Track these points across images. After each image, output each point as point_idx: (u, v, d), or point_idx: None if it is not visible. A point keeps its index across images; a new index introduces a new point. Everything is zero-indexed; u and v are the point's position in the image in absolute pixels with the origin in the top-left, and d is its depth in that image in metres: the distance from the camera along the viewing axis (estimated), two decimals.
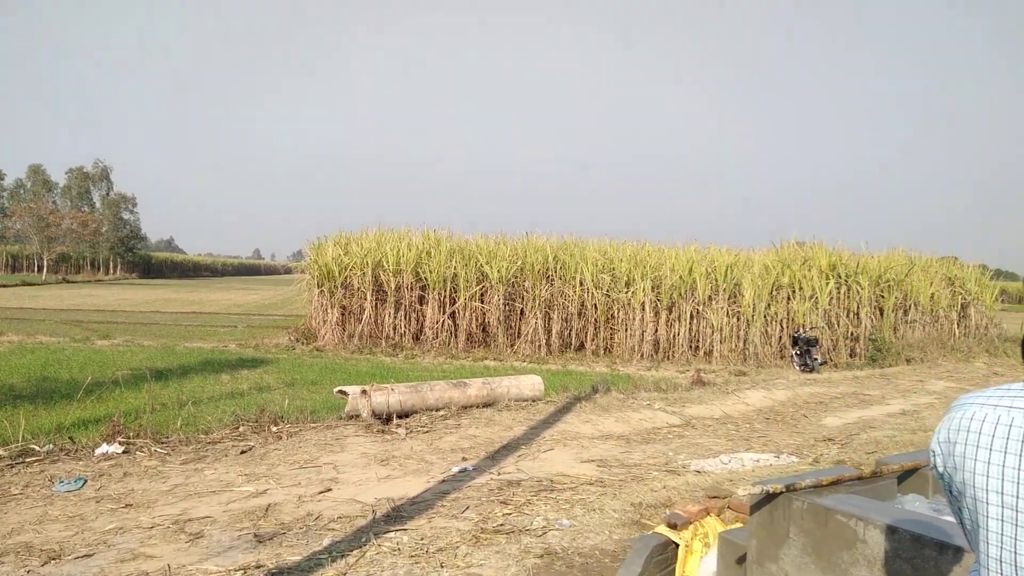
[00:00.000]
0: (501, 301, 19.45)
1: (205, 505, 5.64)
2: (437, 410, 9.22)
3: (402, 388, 9.09)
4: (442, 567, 4.41)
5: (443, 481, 6.46)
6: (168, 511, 5.49)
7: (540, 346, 19.30)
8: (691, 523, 4.33)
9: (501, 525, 5.19)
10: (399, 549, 4.71)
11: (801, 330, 18.74)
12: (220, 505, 5.64)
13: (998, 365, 17.65)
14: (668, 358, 19.50)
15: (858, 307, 20.58)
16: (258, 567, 4.41)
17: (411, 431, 8.33)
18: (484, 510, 5.59)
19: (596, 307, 19.81)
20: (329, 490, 6.10)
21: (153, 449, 7.10)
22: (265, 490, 6.03)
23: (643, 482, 6.53)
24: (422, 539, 4.92)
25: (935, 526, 2.56)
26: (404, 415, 8.96)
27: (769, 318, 19.88)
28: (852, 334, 20.38)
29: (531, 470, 6.93)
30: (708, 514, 4.50)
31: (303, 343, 19.01)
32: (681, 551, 4.08)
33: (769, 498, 3.04)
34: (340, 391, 9.10)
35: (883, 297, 21.01)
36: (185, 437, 7.55)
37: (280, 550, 4.72)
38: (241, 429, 7.95)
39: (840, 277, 20.70)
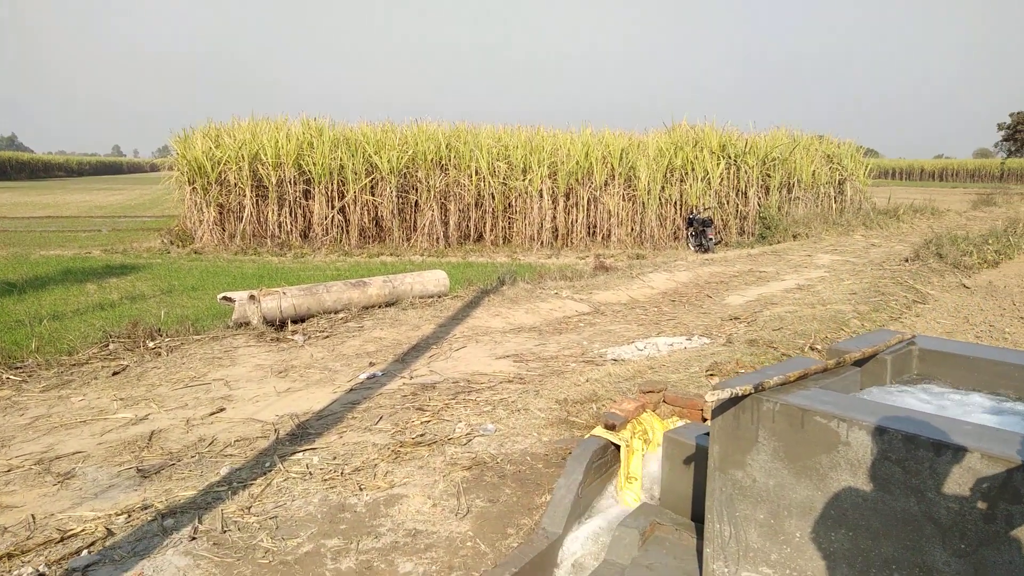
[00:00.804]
0: (394, 193, 18.49)
1: (75, 438, 4.89)
2: (336, 312, 8.56)
3: (295, 291, 8.34)
4: (361, 490, 3.95)
5: (351, 390, 5.94)
6: (29, 449, 4.70)
7: (438, 239, 18.66)
8: (628, 421, 4.04)
9: (421, 436, 4.77)
10: (310, 473, 4.21)
11: (695, 211, 19.00)
12: (93, 437, 4.90)
13: (874, 237, 18.65)
14: (567, 245, 19.40)
15: (746, 187, 21.04)
16: (145, 508, 3.80)
17: (309, 337, 7.67)
18: (400, 419, 5.14)
19: (493, 196, 19.23)
20: (222, 410, 5.45)
21: (5, 376, 6.14)
22: (146, 415, 5.31)
23: (563, 376, 6.26)
24: (335, 459, 4.43)
25: (930, 424, 2.28)
26: (299, 320, 8.26)
27: (664, 201, 20.02)
28: (741, 213, 20.93)
29: (445, 371, 6.52)
30: (644, 410, 4.23)
31: (178, 246, 17.49)
32: (623, 452, 3.80)
33: (733, 400, 2.71)
34: (225, 297, 8.24)
35: (769, 176, 21.55)
36: (44, 360, 6.58)
37: (170, 485, 4.10)
38: (112, 347, 7.04)
39: (730, 157, 20.97)
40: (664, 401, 4.34)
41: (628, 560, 3.11)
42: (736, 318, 9.38)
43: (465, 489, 3.91)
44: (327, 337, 7.72)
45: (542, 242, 19.07)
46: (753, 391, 2.62)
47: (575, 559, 3.32)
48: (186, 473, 4.26)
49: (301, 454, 4.53)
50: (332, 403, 5.61)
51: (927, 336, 3.46)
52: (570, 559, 3.32)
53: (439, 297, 9.72)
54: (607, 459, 3.82)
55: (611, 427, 3.89)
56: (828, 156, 24.25)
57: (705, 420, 4.23)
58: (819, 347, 7.64)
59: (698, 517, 3.38)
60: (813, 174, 22.67)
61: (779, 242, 18.26)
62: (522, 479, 4.03)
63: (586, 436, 3.92)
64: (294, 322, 8.18)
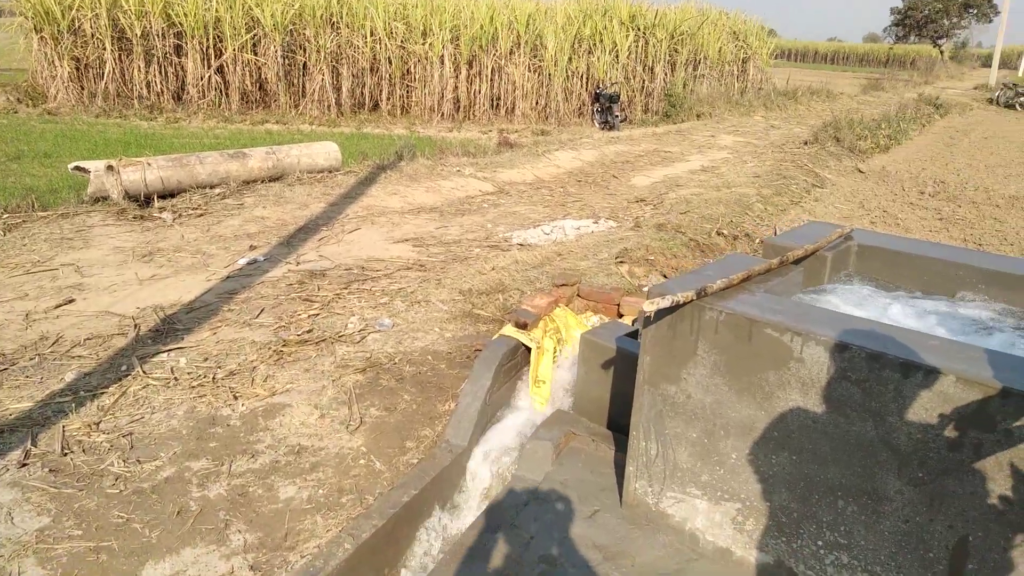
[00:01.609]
0: (279, 53, 16.74)
1: None
2: (212, 188, 7.63)
3: (163, 162, 7.32)
4: (236, 399, 3.44)
5: (228, 278, 5.27)
6: None
7: (329, 106, 17.25)
8: (540, 318, 3.67)
9: (308, 332, 4.25)
10: (175, 378, 3.64)
11: (602, 86, 18.38)
12: None
13: (774, 119, 18.77)
14: (469, 118, 18.45)
15: (654, 62, 20.49)
16: None
17: (180, 215, 6.80)
18: (284, 312, 4.58)
19: (390, 61, 17.80)
20: (71, 301, 4.69)
21: None
22: None
23: (467, 262, 5.81)
24: (206, 360, 3.86)
25: (896, 341, 1.99)
26: (169, 195, 7.31)
27: (571, 74, 19.21)
28: (647, 89, 20.48)
29: (336, 256, 5.92)
30: (557, 305, 3.87)
31: (28, 104, 15.34)
32: (533, 354, 3.44)
33: (670, 308, 2.33)
34: (77, 167, 7.14)
35: (677, 51, 21.05)
36: None
37: (0, 395, 3.45)
38: None
39: (639, 30, 20.22)
40: (578, 295, 4.00)
41: (541, 476, 2.81)
42: (642, 200, 9.12)
43: (358, 396, 3.48)
44: (201, 215, 6.87)
45: (443, 114, 18.03)
46: (695, 298, 2.24)
47: (483, 475, 3.00)
48: (21, 380, 3.60)
49: (165, 355, 3.93)
50: (205, 293, 4.95)
51: (863, 230, 3.22)
52: (477, 475, 3.00)
53: (330, 172, 8.89)
54: (517, 361, 3.47)
55: (522, 325, 3.51)
56: (734, 33, 23.90)
57: (621, 316, 3.93)
58: (726, 232, 7.52)
59: (616, 425, 3.11)
60: (720, 51, 22.34)
61: (683, 121, 18.06)
62: (423, 382, 3.63)
63: (494, 335, 3.53)
64: (162, 197, 7.23)
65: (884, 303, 2.70)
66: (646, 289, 5.62)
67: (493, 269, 5.50)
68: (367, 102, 18.10)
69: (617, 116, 16.72)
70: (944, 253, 3.02)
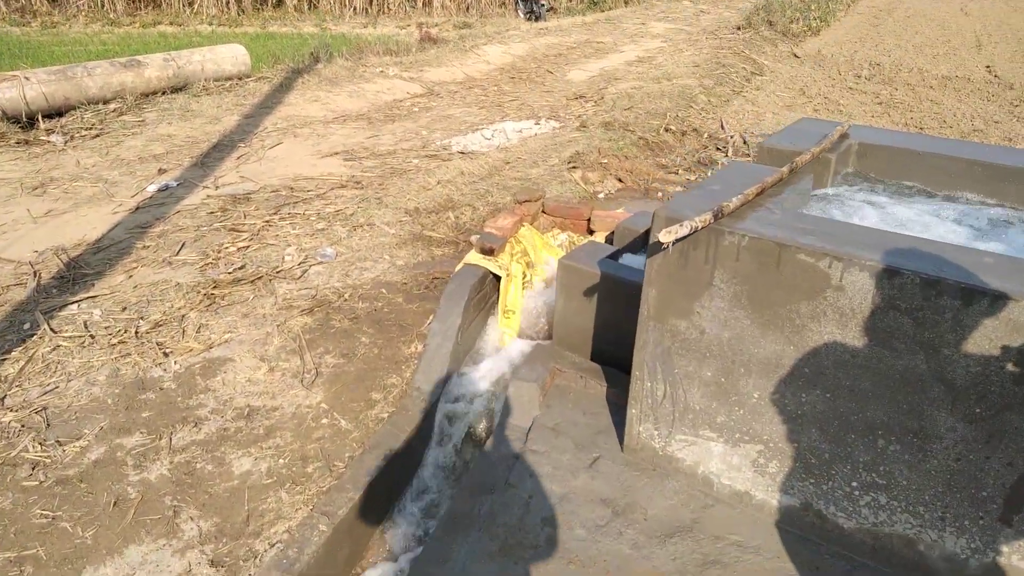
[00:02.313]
0: None
1: None
2: (106, 103, 6.74)
3: (43, 75, 6.38)
4: (167, 356, 3.00)
5: (138, 208, 4.65)
6: None
7: (228, 3, 15.70)
8: (507, 241, 3.31)
9: (240, 268, 3.76)
10: (91, 336, 3.14)
11: None
12: None
13: (701, 3, 18.18)
14: (384, 12, 17.16)
15: None
16: None
17: (72, 137, 5.98)
18: (209, 246, 4.06)
19: None
20: None
21: None
22: None
23: (407, 176, 5.32)
24: (124, 310, 3.36)
25: (951, 262, 1.73)
26: (56, 114, 6.42)
27: None
28: None
29: (260, 176, 5.32)
30: (522, 224, 3.50)
31: None
32: (503, 283, 3.10)
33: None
34: None
35: None
36: None
37: None
38: None
39: None
40: (543, 211, 3.63)
41: (529, 421, 2.54)
42: (582, 96, 8.65)
43: (309, 342, 3.08)
44: (97, 136, 6.06)
45: (355, 8, 16.71)
46: (713, 221, 1.92)
47: (462, 425, 2.70)
48: None
49: (75, 307, 3.41)
50: (114, 228, 4.35)
51: (859, 126, 2.94)
52: (458, 425, 2.70)
53: (239, 79, 8.02)
54: (486, 291, 3.12)
55: (488, 251, 3.14)
56: None
57: (592, 232, 3.60)
58: (673, 127, 7.19)
59: (601, 357, 2.84)
60: None
61: (611, 8, 17.30)
62: (380, 321, 3.25)
63: (450, 258, 3.15)
64: (48, 117, 6.34)
65: (895, 206, 2.46)
66: (602, 196, 5.30)
67: (438, 183, 5.04)
68: None
69: (543, 5, 15.83)
70: (942, 147, 2.78)
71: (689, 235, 1.95)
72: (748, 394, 2.05)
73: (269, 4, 16.59)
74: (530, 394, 2.60)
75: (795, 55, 11.76)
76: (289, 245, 4.06)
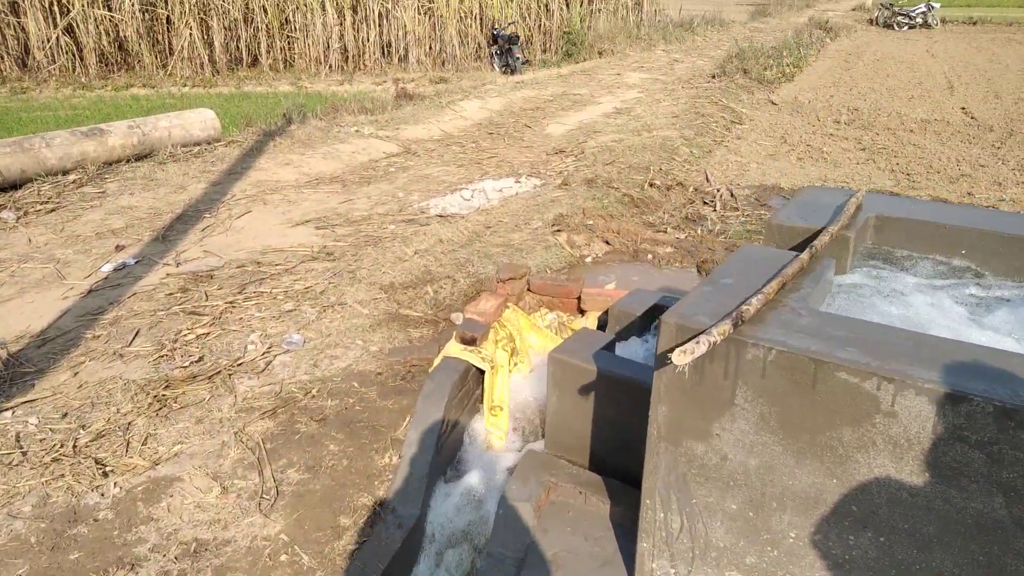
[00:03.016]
0: (136, 6, 14.85)
1: None
2: (65, 174, 6.42)
3: None
4: (107, 475, 2.62)
5: (91, 292, 4.30)
6: None
7: (202, 64, 15.56)
8: (490, 327, 3.00)
9: (198, 361, 3.41)
10: (22, 450, 2.77)
11: (498, 27, 17.38)
12: None
13: (675, 52, 18.35)
14: (360, 68, 17.12)
15: None
16: None
17: (26, 213, 5.64)
18: (166, 333, 3.71)
19: (266, 9, 16.16)
20: None
21: None
22: None
23: (382, 246, 5.02)
24: (64, 417, 2.99)
25: None
26: (11, 187, 6.08)
27: (463, 15, 18.08)
28: (545, 28, 19.61)
29: (225, 249, 5.00)
30: (506, 305, 3.19)
31: None
32: (488, 377, 2.77)
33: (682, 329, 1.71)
34: None
35: None
36: None
37: None
38: None
39: None
40: (529, 289, 3.34)
41: (522, 549, 2.19)
42: (562, 151, 8.47)
43: (271, 452, 2.72)
44: (53, 211, 5.73)
45: (331, 66, 16.65)
46: (732, 330, 1.62)
47: (446, 552, 2.34)
48: None
49: (10, 414, 3.04)
50: (62, 316, 3.99)
51: (872, 194, 2.69)
52: (438, 552, 2.34)
53: (209, 144, 7.75)
54: (468, 386, 2.79)
55: (469, 341, 2.83)
56: None
57: (583, 312, 3.30)
58: (658, 182, 6.99)
59: (601, 465, 2.51)
60: None
61: (585, 60, 17.38)
62: (351, 422, 2.90)
63: (429, 341, 2.83)
64: (2, 191, 6.01)
65: (927, 292, 2.19)
66: (589, 260, 5.03)
67: (415, 253, 4.74)
68: (245, 57, 16.47)
69: (518, 58, 15.85)
70: (965, 218, 2.53)
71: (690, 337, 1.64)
72: (783, 532, 1.72)
73: (243, 63, 16.48)
74: (523, 516, 2.26)
75: (772, 102, 11.74)
76: (253, 331, 3.72)
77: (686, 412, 1.79)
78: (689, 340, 1.71)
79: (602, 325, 3.15)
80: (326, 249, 5.01)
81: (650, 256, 5.09)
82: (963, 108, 11.38)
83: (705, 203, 6.58)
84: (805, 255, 2.01)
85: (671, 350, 1.76)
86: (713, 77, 13.77)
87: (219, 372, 3.28)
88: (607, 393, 2.44)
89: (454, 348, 2.80)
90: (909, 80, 14.31)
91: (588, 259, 5.04)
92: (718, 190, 6.84)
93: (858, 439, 1.57)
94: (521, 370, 2.99)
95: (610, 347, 2.62)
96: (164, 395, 3.09)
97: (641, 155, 7.93)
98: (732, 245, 5.30)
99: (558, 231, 5.23)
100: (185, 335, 3.70)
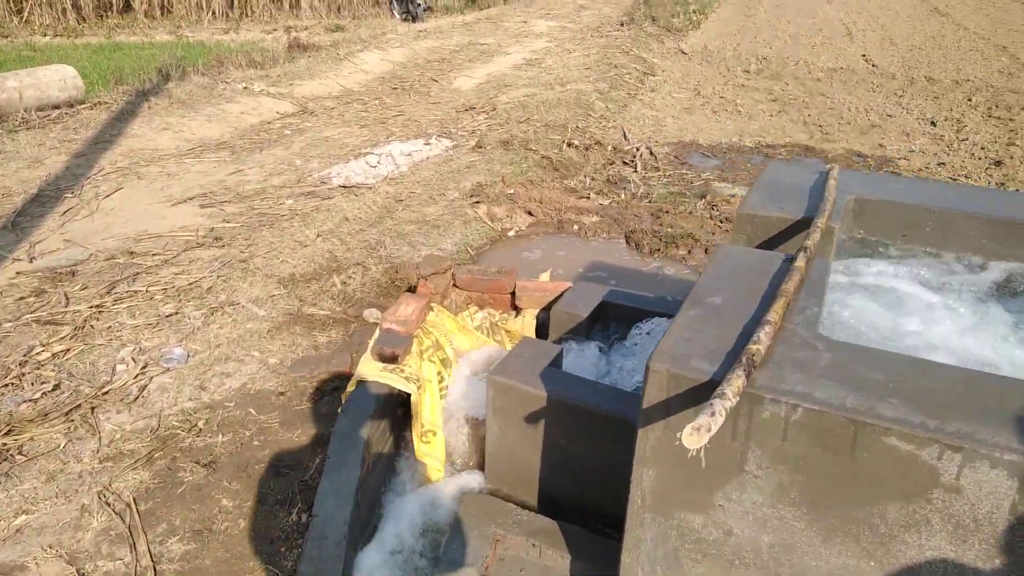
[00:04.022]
0: None
1: None
2: None
3: None
4: None
5: None
6: None
7: (65, 10, 13.87)
8: (414, 337, 2.54)
9: (53, 391, 2.80)
10: None
11: None
12: None
13: None
14: (247, 15, 15.74)
15: None
16: None
17: None
18: (12, 353, 3.05)
19: None
20: None
21: None
22: None
23: (280, 226, 4.41)
24: None
25: None
26: None
27: None
28: None
29: (91, 237, 4.27)
30: (430, 307, 2.73)
31: None
32: (414, 400, 2.33)
33: (693, 394, 1.33)
34: None
35: None
36: None
37: None
38: None
39: None
40: (455, 285, 2.89)
41: None
42: (472, 107, 7.92)
43: (146, 515, 2.19)
44: None
45: (214, 12, 15.22)
46: (744, 380, 1.24)
47: None
48: None
49: None
50: None
51: (847, 172, 2.36)
52: None
53: (71, 107, 6.76)
54: (392, 412, 2.34)
55: (390, 358, 2.36)
56: None
57: (517, 310, 2.88)
58: (576, 142, 6.59)
59: (554, 505, 2.14)
60: None
61: (490, 6, 16.63)
62: (248, 465, 2.40)
63: (350, 385, 2.35)
64: None
65: (929, 292, 1.89)
66: (512, 233, 4.59)
67: (318, 236, 4.17)
68: (115, 2, 14.81)
69: (420, 5, 14.93)
70: (946, 199, 2.24)
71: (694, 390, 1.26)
72: None
73: (114, 9, 14.83)
74: None
75: (682, 51, 11.49)
76: (124, 345, 3.12)
77: (680, 478, 1.41)
78: (687, 391, 1.33)
79: (542, 324, 2.76)
80: (214, 232, 4.36)
81: (576, 227, 4.71)
82: (864, 55, 11.47)
83: (625, 163, 6.24)
84: (800, 262, 1.65)
85: (664, 406, 1.37)
86: (622, 25, 13.39)
87: (79, 405, 2.69)
88: (559, 422, 2.05)
89: (370, 368, 2.34)
90: (810, 27, 14.39)
91: (511, 233, 4.61)
92: (637, 149, 6.51)
93: (907, 516, 1.23)
94: (453, 380, 2.56)
95: (557, 360, 2.22)
96: (4, 444, 2.48)
97: (556, 111, 7.49)
98: (658, 210, 4.99)
99: (477, 203, 4.76)
100: (38, 354, 3.05)
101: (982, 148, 6.59)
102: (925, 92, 8.88)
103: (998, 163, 6.15)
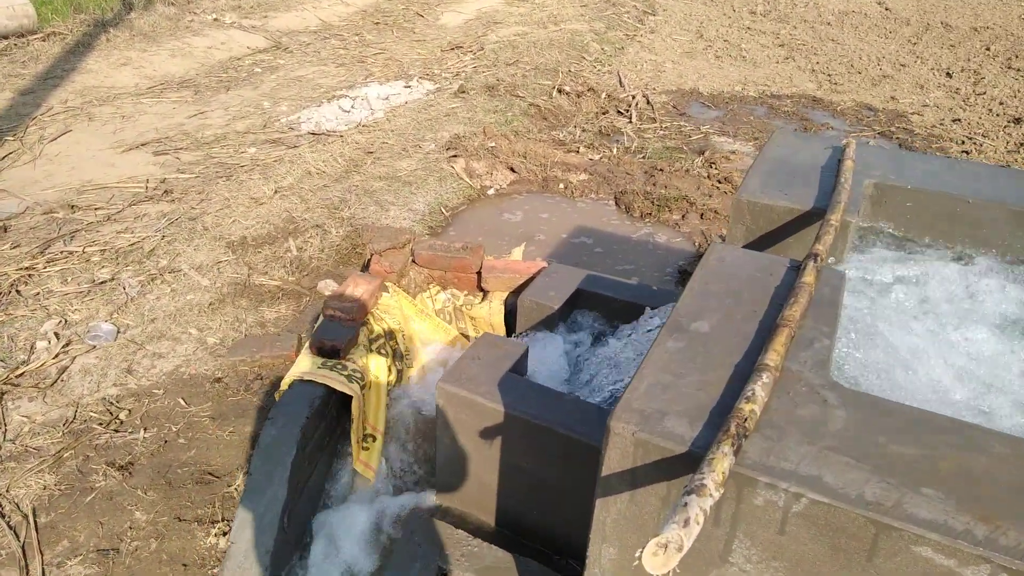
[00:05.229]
0: None
1: None
2: None
3: None
4: None
5: None
6: None
7: None
8: (361, 324, 2.23)
9: None
10: None
11: None
12: None
13: None
14: None
15: None
16: None
17: None
18: None
19: None
20: None
21: None
22: None
23: (237, 179, 4.04)
24: None
25: None
26: None
27: None
28: None
29: (29, 187, 3.91)
30: (383, 288, 2.42)
31: None
32: (355, 403, 2.03)
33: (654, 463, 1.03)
34: None
35: None
36: None
37: None
38: None
39: None
40: (414, 262, 2.56)
41: None
42: (459, 47, 7.41)
43: (46, 530, 1.92)
44: None
45: None
46: (732, 459, 0.94)
47: None
48: None
49: None
50: None
51: (866, 146, 2.02)
52: None
53: (21, 38, 6.25)
54: (330, 416, 2.04)
55: (331, 351, 2.06)
56: None
57: (484, 293, 2.56)
58: (568, 88, 6.15)
59: (515, 528, 1.87)
60: None
61: None
62: (169, 469, 2.11)
63: (284, 382, 2.05)
64: None
65: (966, 308, 1.58)
66: (492, 192, 4.22)
67: (277, 192, 3.81)
68: None
69: None
70: (981, 184, 1.91)
71: (662, 464, 0.97)
72: None
73: None
74: None
75: None
76: (49, 316, 2.80)
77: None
78: (658, 461, 1.03)
79: (511, 310, 2.45)
80: (165, 184, 4.00)
81: (562, 185, 4.35)
82: None
83: (620, 113, 5.83)
84: (810, 276, 1.33)
85: (629, 477, 1.07)
86: None
87: None
88: (519, 440, 1.76)
89: (308, 364, 2.03)
90: None
91: (491, 191, 4.25)
92: (633, 97, 6.08)
93: None
94: (411, 376, 2.27)
95: (521, 364, 1.92)
96: None
97: (548, 53, 7.00)
98: (652, 167, 4.62)
99: (454, 156, 4.38)
100: None
101: (1000, 103, 6.19)
102: (941, 40, 8.38)
103: (1017, 120, 5.76)
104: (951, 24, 9.05)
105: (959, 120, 5.80)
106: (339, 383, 2.00)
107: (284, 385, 2.03)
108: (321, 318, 2.17)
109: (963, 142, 5.36)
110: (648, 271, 3.55)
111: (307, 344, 2.12)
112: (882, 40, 8.53)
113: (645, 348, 1.90)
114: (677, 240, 3.84)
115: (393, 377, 2.22)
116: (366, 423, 2.10)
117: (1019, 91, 6.51)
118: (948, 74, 7.09)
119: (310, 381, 2.01)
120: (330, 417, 2.04)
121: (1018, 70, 7.15)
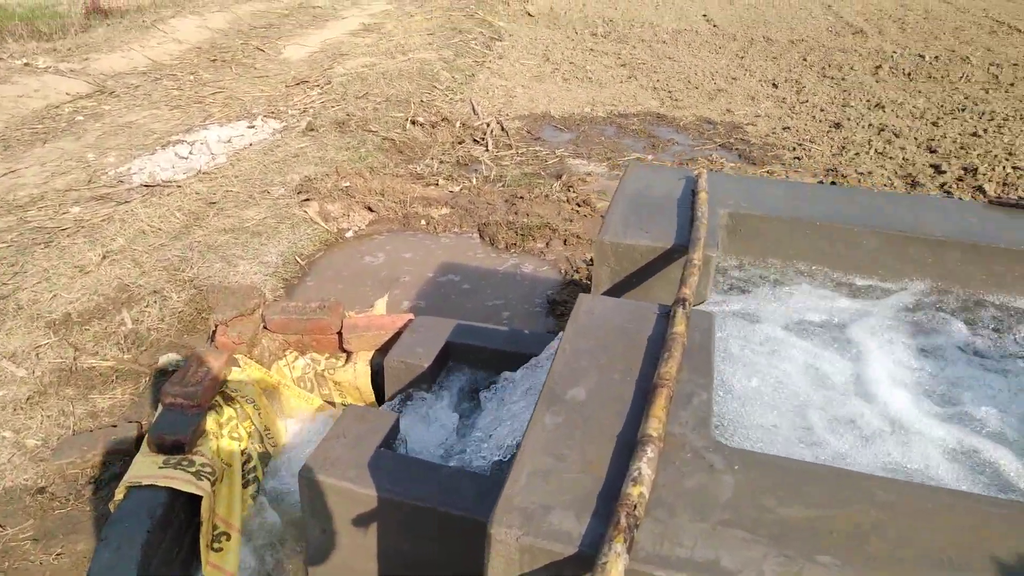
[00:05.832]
0: None
1: None
2: None
3: None
4: None
5: None
6: None
7: None
8: (208, 409, 1.99)
9: None
10: None
11: None
12: None
13: None
14: None
15: None
16: None
17: None
18: None
19: None
20: None
21: None
22: None
23: (58, 244, 3.62)
24: None
25: None
26: None
27: None
28: None
29: None
30: (233, 363, 2.18)
31: None
32: (205, 501, 1.79)
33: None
34: None
35: None
36: None
37: None
38: None
39: None
40: (266, 327, 2.34)
41: None
42: (304, 81, 7.13)
43: None
44: None
45: None
46: (626, 559, 0.85)
47: None
48: None
49: None
50: None
51: (715, 175, 2.03)
52: None
53: None
54: (177, 522, 1.79)
55: (172, 447, 1.81)
56: None
57: (347, 354, 2.38)
58: (421, 119, 6.05)
59: None
60: None
61: None
62: None
63: (119, 491, 1.78)
64: None
65: (830, 337, 1.59)
66: (350, 234, 4.03)
67: (105, 257, 3.42)
68: None
69: None
70: (825, 209, 1.97)
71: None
72: None
73: None
74: None
75: (528, 13, 11.11)
76: None
77: None
78: (547, 566, 0.92)
79: (378, 370, 2.29)
80: None
81: (424, 221, 4.23)
82: (704, 15, 11.58)
83: (476, 141, 5.79)
84: (681, 325, 1.28)
85: None
86: None
87: None
88: (398, 524, 1.61)
89: (146, 466, 1.77)
90: None
91: (349, 233, 4.06)
92: (488, 124, 6.08)
93: None
94: (275, 457, 2.05)
95: (392, 436, 1.77)
96: None
97: (399, 84, 6.88)
98: (512, 195, 4.60)
99: (307, 200, 4.15)
100: None
101: (821, 110, 6.71)
102: (765, 53, 9.01)
103: (837, 125, 6.25)
104: (772, 38, 9.77)
105: (788, 128, 6.21)
106: (185, 483, 1.76)
107: (119, 494, 1.76)
108: (160, 408, 1.92)
109: (794, 148, 5.74)
110: (517, 304, 3.49)
111: (145, 440, 1.86)
112: (714, 56, 9.07)
113: (522, 399, 1.80)
114: (544, 269, 3.81)
115: (253, 463, 2.00)
116: (218, 520, 1.86)
117: (835, 97, 7.09)
118: (774, 84, 7.61)
119: (150, 485, 1.75)
120: (178, 522, 1.79)
121: (831, 78, 7.79)
